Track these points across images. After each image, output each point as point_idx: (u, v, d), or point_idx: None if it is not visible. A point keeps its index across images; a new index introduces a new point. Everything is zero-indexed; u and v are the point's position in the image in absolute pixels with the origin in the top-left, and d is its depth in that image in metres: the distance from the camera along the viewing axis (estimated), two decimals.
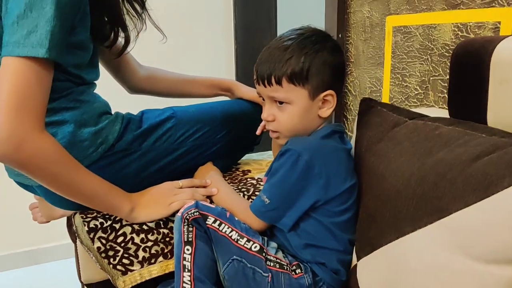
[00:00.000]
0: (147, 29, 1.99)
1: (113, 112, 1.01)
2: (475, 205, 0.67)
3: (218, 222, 0.85)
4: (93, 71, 1.00)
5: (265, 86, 0.87)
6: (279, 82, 0.85)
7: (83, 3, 0.86)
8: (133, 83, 1.20)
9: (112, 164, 0.95)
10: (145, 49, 1.84)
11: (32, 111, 0.76)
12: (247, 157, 1.30)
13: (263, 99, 0.91)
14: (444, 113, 0.96)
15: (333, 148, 0.88)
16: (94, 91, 1.01)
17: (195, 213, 0.85)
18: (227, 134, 1.11)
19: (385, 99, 1.33)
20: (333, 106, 0.89)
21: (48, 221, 1.10)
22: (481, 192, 0.66)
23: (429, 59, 1.16)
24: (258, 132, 1.03)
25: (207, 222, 0.85)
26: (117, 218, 0.94)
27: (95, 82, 1.04)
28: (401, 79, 1.27)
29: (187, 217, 0.85)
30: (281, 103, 0.87)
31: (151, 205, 0.93)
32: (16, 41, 0.75)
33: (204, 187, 1.00)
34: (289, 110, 0.87)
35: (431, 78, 1.17)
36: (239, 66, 2.32)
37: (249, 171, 1.17)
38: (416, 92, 1.22)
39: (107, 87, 1.09)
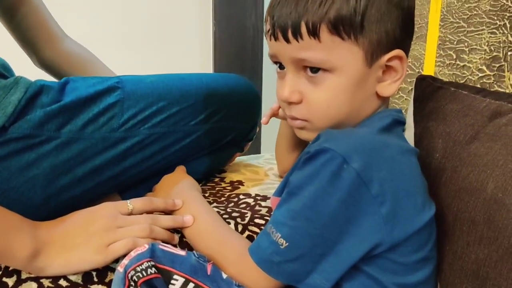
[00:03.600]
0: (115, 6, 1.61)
1: (14, 77, 0.61)
2: None
3: (192, 285, 0.46)
4: None
5: (288, 42, 0.50)
6: (314, 33, 0.49)
7: None
8: (47, 55, 0.84)
9: (4, 161, 0.56)
10: (106, 26, 1.43)
11: None
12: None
13: (280, 67, 0.53)
14: None
15: (400, 149, 0.50)
16: None
17: (149, 270, 0.45)
18: (207, 120, 0.71)
19: None
20: (401, 77, 0.53)
21: None
22: None
23: (507, 25, 0.80)
24: (264, 120, 0.65)
25: (171, 287, 0.45)
26: (10, 268, 0.53)
27: None
28: (455, 57, 0.90)
29: (135, 277, 0.45)
30: (315, 70, 0.50)
31: (73, 245, 0.52)
32: None
33: (172, 211, 0.60)
34: (330, 83, 0.51)
35: (509, 53, 0.80)
36: (217, 49, 1.92)
37: (241, 183, 0.78)
38: (481, 75, 0.86)
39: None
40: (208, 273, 0.48)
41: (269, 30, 0.52)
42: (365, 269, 0.48)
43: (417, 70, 1.00)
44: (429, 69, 0.96)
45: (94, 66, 0.88)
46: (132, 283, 0.45)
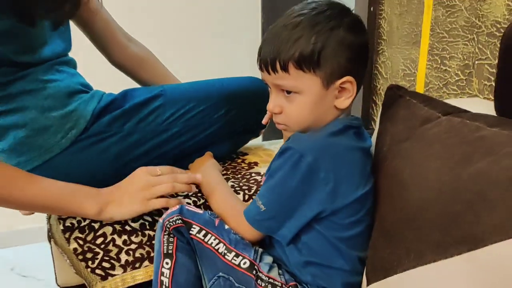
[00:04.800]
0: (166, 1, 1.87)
1: (92, 91, 0.90)
2: None
3: (203, 232, 0.73)
4: (54, 45, 0.88)
5: (269, 73, 0.72)
6: (285, 68, 0.70)
7: None
8: (116, 58, 1.08)
9: (87, 148, 0.85)
10: (161, 19, 1.64)
11: None
12: (256, 144, 1.16)
13: (269, 87, 0.76)
14: (489, 106, 0.79)
15: (345, 147, 0.72)
16: (69, 67, 0.91)
17: (177, 221, 0.72)
18: (226, 114, 0.97)
19: (419, 84, 1.15)
20: (353, 95, 0.73)
21: (32, 212, 1.01)
22: None
23: (475, 39, 0.97)
24: (264, 121, 0.89)
25: (191, 232, 0.72)
26: None
27: (69, 57, 0.93)
28: (439, 62, 1.08)
29: (168, 225, 0.72)
30: (289, 92, 0.72)
31: (124, 201, 0.80)
32: None
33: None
34: (298, 101, 0.72)
35: (476, 62, 0.98)
36: None
37: (256, 163, 1.04)
38: (457, 78, 1.03)
39: (88, 63, 0.99)
40: (216, 225, 0.75)
41: (258, 63, 0.75)
42: (315, 227, 0.71)
43: (413, 71, 1.18)
44: (421, 71, 1.14)
45: (152, 66, 1.13)
46: (167, 229, 0.73)
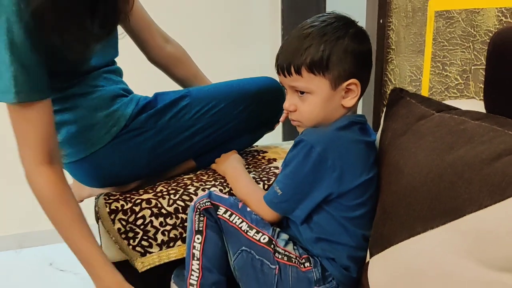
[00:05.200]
0: (188, 11, 2.02)
1: (131, 95, 1.06)
2: (490, 208, 0.62)
3: (229, 212, 0.85)
4: (104, 54, 1.02)
5: (285, 76, 0.85)
6: (298, 72, 0.83)
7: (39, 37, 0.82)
8: (153, 57, 1.19)
9: (126, 142, 1.00)
10: (185, 28, 1.80)
11: (32, 146, 0.83)
12: (276, 144, 1.28)
13: (285, 89, 0.89)
14: (483, 106, 0.89)
15: (350, 140, 0.84)
16: (116, 75, 1.06)
17: (206, 203, 0.85)
18: (244, 110, 1.10)
19: (424, 89, 1.26)
20: (358, 95, 0.85)
21: (81, 201, 1.16)
22: (498, 194, 0.61)
23: (471, 47, 1.08)
24: (281, 119, 1.01)
25: (218, 213, 0.85)
26: (137, 201, 0.97)
27: (116, 66, 1.08)
28: (441, 68, 1.19)
29: (199, 206, 0.85)
30: (302, 93, 0.85)
31: None
32: None
33: None
34: (310, 100, 0.84)
35: (472, 68, 1.08)
36: None
37: (274, 159, 1.16)
38: (456, 82, 1.14)
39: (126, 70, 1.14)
40: (239, 207, 0.87)
41: (276, 68, 0.88)
42: (325, 208, 0.83)
43: (418, 77, 1.29)
44: (426, 77, 1.25)
45: (186, 65, 1.24)
46: (198, 210, 0.86)
